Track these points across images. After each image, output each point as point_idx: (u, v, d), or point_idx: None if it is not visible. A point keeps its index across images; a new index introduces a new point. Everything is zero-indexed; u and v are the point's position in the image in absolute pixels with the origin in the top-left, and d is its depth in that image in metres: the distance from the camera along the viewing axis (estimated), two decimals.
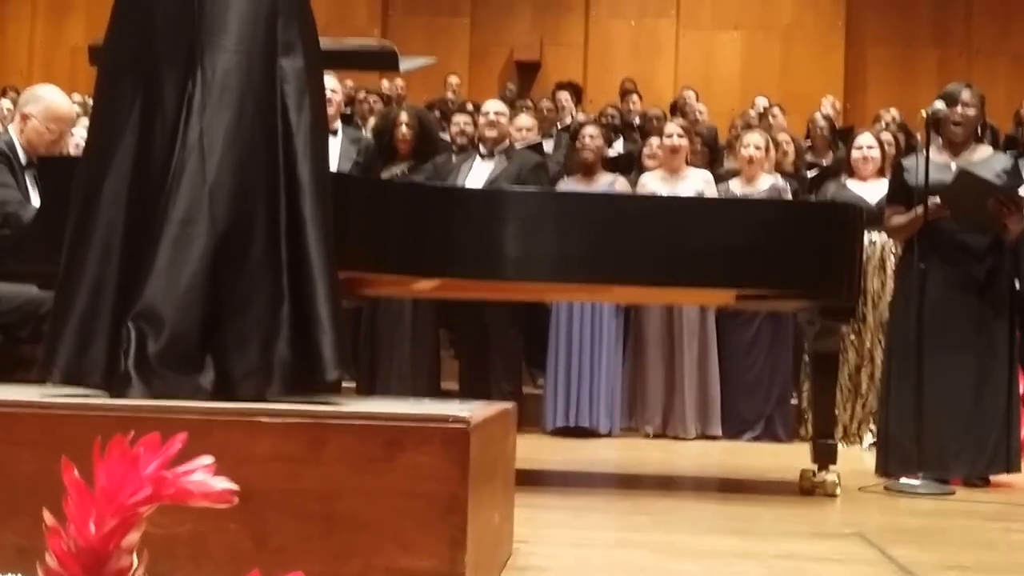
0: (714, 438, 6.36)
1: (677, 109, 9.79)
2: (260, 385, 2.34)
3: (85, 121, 5.21)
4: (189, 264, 2.36)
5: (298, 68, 2.53)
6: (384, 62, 4.75)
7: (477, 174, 6.32)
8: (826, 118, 8.79)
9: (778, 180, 6.47)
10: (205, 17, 2.49)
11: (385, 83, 10.21)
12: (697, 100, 10.09)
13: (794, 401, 6.53)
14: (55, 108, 4.52)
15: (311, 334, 2.39)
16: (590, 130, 6.48)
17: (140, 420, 1.90)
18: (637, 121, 9.66)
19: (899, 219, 4.78)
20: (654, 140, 7.05)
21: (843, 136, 8.26)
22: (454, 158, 6.61)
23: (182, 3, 2.50)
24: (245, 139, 2.45)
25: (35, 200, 4.30)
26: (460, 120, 7.17)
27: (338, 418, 2.05)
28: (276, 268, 2.41)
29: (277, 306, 2.38)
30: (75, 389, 2.34)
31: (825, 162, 7.81)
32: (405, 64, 4.88)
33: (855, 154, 6.33)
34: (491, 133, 6.41)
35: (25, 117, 4.48)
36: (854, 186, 6.23)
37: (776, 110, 9.46)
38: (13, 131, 4.51)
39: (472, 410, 2.16)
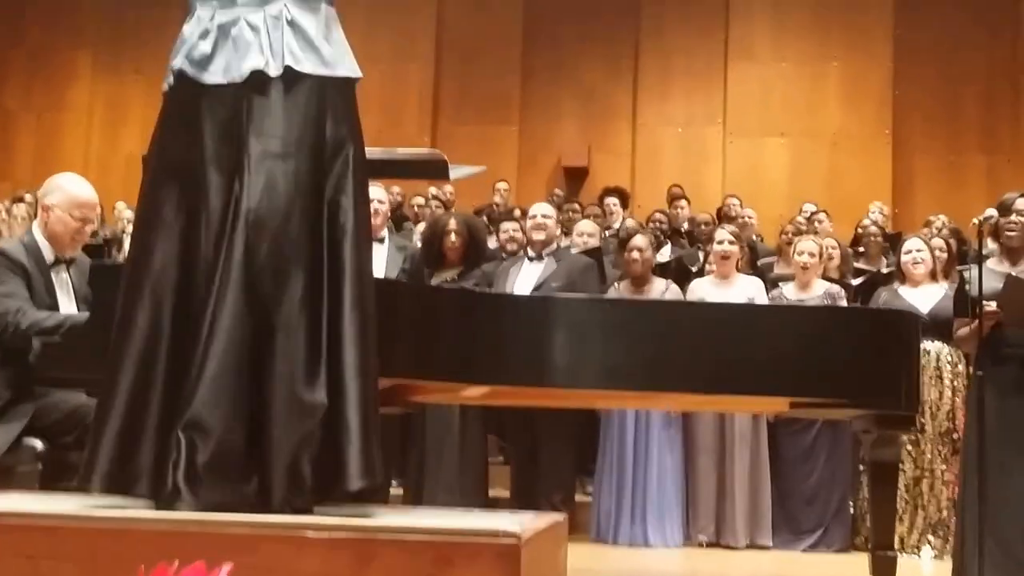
0: (765, 548, 6.22)
1: (723, 216, 9.78)
2: (300, 494, 2.31)
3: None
4: (237, 373, 2.35)
5: (346, 173, 2.54)
6: (434, 171, 4.75)
7: (525, 278, 6.31)
8: (876, 224, 8.73)
9: (832, 287, 6.40)
10: (253, 122, 2.50)
11: (434, 190, 10.29)
12: (742, 207, 10.08)
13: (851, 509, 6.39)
14: (77, 194, 4.30)
15: (338, 442, 2.36)
16: (639, 242, 6.42)
17: (186, 536, 1.86)
18: (685, 227, 9.66)
19: (963, 331, 4.78)
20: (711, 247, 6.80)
21: (892, 242, 8.20)
22: (503, 264, 6.61)
23: (230, 108, 2.52)
24: (291, 245, 2.45)
25: (63, 299, 4.17)
26: (509, 227, 7.19)
27: (386, 532, 2.00)
28: (316, 374, 2.40)
29: (316, 413, 2.37)
30: (116, 499, 2.30)
31: (882, 269, 7.72)
32: (455, 173, 4.89)
33: (904, 259, 6.28)
34: (539, 236, 6.41)
35: (47, 208, 4.23)
36: (906, 293, 6.15)
37: (823, 216, 9.42)
38: (36, 228, 4.28)
39: (522, 523, 2.10)
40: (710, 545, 6.24)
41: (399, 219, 9.15)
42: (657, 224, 9.13)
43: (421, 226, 8.17)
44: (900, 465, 5.83)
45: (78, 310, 4.16)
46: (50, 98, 13.13)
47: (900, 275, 6.32)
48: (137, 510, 2.22)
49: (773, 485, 6.32)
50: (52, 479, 3.78)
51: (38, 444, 3.90)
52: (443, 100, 12.78)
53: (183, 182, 2.52)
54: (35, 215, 4.44)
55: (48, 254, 4.21)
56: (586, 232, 7.53)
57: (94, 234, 8.11)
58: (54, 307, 4.13)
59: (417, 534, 2.00)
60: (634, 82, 12.56)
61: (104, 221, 9.25)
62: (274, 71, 2.53)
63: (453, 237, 6.39)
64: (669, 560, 5.86)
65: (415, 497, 6.14)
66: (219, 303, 2.38)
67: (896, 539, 5.77)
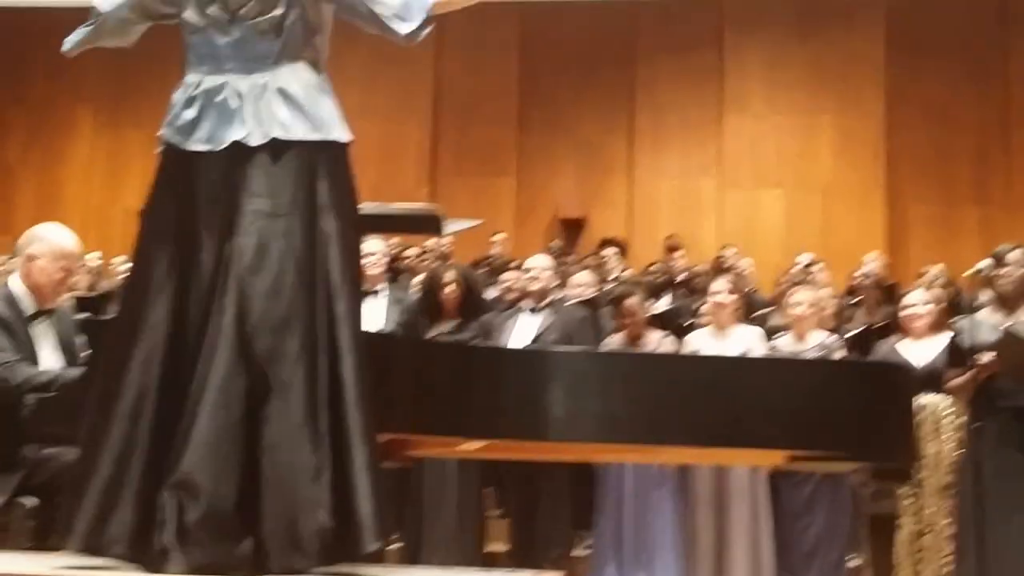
0: None
1: (720, 266, 9.79)
2: (300, 556, 2.28)
3: None
4: (228, 431, 2.32)
5: (338, 230, 2.52)
6: (429, 226, 4.78)
7: (523, 330, 6.32)
8: (873, 275, 8.74)
9: (827, 338, 6.39)
10: (243, 184, 2.50)
11: (431, 241, 10.31)
12: (736, 257, 10.10)
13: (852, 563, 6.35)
14: (61, 245, 4.24)
15: (351, 503, 2.33)
16: (631, 304, 6.38)
17: None
18: (682, 277, 9.67)
19: (957, 381, 4.82)
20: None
21: (888, 293, 8.20)
22: (501, 316, 6.62)
23: (219, 173, 2.52)
24: (284, 303, 2.43)
25: (45, 351, 4.08)
26: (509, 277, 7.21)
27: None
28: (317, 434, 2.36)
29: (318, 474, 2.33)
30: (94, 559, 2.25)
31: (877, 320, 7.71)
32: (449, 228, 4.92)
33: (904, 313, 6.26)
34: (534, 287, 6.44)
35: (31, 258, 4.13)
36: (906, 346, 6.12)
37: (817, 266, 9.43)
38: (14, 279, 4.16)
39: None
40: None
41: (396, 271, 9.15)
42: (654, 276, 9.14)
43: (418, 278, 8.18)
44: (900, 520, 5.81)
45: (63, 361, 4.09)
46: (51, 152, 13.18)
47: (899, 328, 6.30)
48: (123, 572, 2.18)
49: (773, 538, 6.28)
50: (45, 537, 3.73)
51: (30, 501, 3.84)
52: (441, 152, 12.84)
53: (175, 243, 2.51)
54: None
55: (28, 305, 4.10)
56: (582, 283, 7.53)
57: (91, 287, 8.12)
58: (34, 359, 4.04)
59: None
60: (630, 134, 12.63)
61: (102, 275, 9.25)
62: (256, 140, 2.52)
63: (450, 289, 6.40)
64: None
65: (412, 553, 6.10)
66: (209, 362, 2.36)
67: None
